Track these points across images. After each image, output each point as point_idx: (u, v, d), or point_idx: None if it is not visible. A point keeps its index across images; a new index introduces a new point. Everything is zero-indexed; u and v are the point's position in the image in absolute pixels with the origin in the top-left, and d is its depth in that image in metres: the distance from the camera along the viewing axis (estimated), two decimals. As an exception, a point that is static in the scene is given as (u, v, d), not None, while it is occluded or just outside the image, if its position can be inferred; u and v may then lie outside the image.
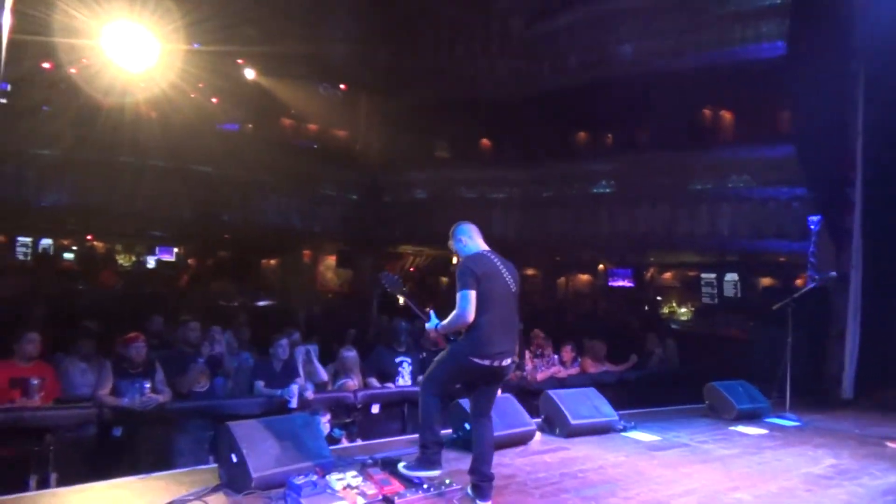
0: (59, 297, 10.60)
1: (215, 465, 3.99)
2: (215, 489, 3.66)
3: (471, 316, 3.56)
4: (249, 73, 13.90)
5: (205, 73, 11.39)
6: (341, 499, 3.48)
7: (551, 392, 5.55)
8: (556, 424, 5.35)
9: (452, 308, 3.73)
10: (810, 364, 7.70)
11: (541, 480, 4.14)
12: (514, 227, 14.06)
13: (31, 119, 10.34)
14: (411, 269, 18.62)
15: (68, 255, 17.31)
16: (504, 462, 4.41)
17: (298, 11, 13.52)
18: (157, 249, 18.76)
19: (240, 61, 13.54)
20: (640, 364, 8.48)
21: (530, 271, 16.60)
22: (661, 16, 12.04)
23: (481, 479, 3.63)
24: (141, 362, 5.22)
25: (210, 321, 7.26)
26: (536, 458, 4.67)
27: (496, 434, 3.95)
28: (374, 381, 6.38)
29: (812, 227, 8.48)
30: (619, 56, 12.57)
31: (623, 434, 5.46)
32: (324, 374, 6.26)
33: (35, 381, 4.88)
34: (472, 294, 3.58)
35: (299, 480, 3.47)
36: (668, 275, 16.33)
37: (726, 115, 13.79)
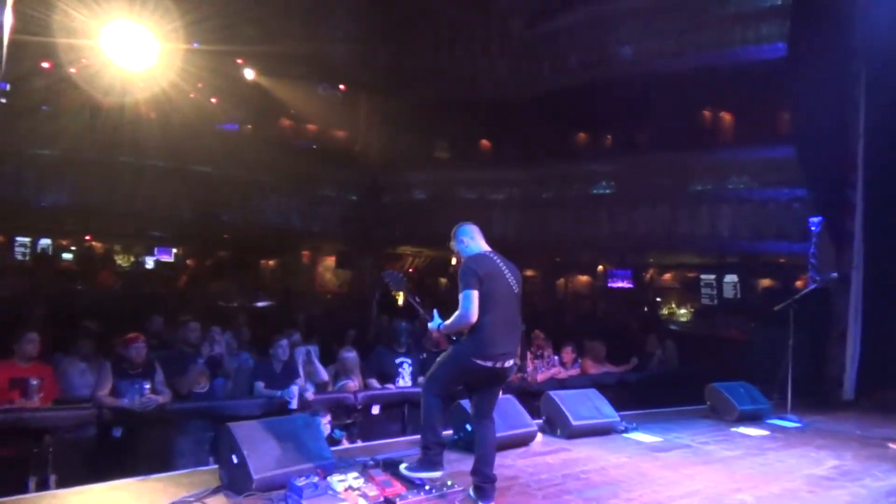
0: (59, 298, 10.57)
1: (215, 466, 3.97)
2: (216, 491, 3.64)
3: (474, 316, 3.55)
4: (249, 73, 13.88)
5: (204, 72, 11.37)
6: (343, 500, 3.47)
7: (552, 393, 5.54)
8: (557, 425, 5.34)
9: (452, 309, 3.72)
10: (811, 365, 7.70)
11: (543, 482, 4.12)
12: (514, 227, 14.04)
13: (31, 119, 10.31)
14: (410, 270, 18.59)
15: (67, 256, 17.27)
16: (506, 463, 4.39)
17: (298, 11, 13.50)
18: (155, 250, 18.71)
19: (239, 61, 13.52)
20: (641, 365, 8.47)
21: (529, 272, 16.58)
22: (661, 17, 12.03)
23: (484, 481, 3.62)
24: (141, 363, 5.20)
25: (209, 322, 7.24)
26: (538, 459, 4.66)
27: (497, 435, 3.93)
28: (374, 382, 6.36)
29: (812, 228, 8.47)
30: (620, 57, 12.57)
31: (624, 435, 5.45)
32: (324, 374, 6.24)
33: (34, 382, 4.85)
34: (475, 294, 3.57)
35: (300, 482, 3.45)
36: (667, 276, 16.32)
37: (726, 116, 13.79)
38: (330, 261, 17.96)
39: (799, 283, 11.63)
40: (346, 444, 5.26)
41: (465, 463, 3.98)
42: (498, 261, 3.80)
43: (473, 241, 3.92)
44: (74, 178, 11.60)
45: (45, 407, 4.83)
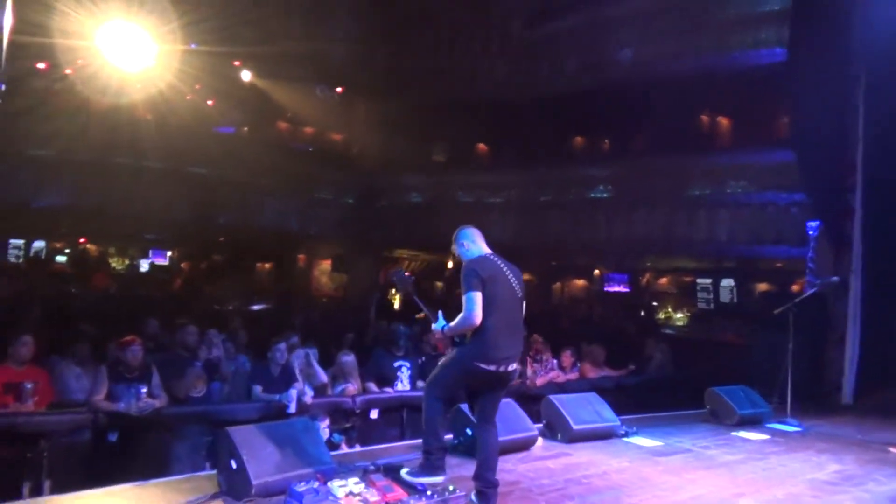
0: (53, 300, 10.48)
1: (214, 471, 3.91)
2: (214, 496, 3.59)
3: (478, 319, 3.51)
4: (246, 75, 13.84)
5: (202, 74, 11.33)
6: (343, 506, 3.42)
7: (553, 397, 5.51)
8: (557, 430, 5.30)
9: (448, 312, 3.69)
10: (809, 369, 7.69)
11: (545, 487, 4.08)
12: (511, 231, 14.00)
13: (27, 120, 10.23)
14: (407, 274, 18.54)
15: (60, 258, 17.16)
16: (507, 468, 4.34)
17: (296, 13, 13.48)
18: (150, 252, 18.63)
19: (236, 63, 13.48)
20: (640, 369, 8.46)
21: (526, 276, 16.48)
22: (660, 20, 12.02)
23: (486, 486, 3.57)
24: (137, 366, 5.13)
25: (205, 325, 7.18)
26: (539, 463, 4.62)
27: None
28: (372, 386, 6.32)
29: (811, 232, 8.48)
30: (618, 60, 12.55)
31: (625, 439, 5.43)
32: (323, 377, 6.20)
33: (29, 386, 4.80)
34: (478, 296, 3.53)
35: (301, 487, 3.40)
36: (663, 280, 16.33)
37: (724, 121, 13.80)
38: (326, 264, 17.92)
39: (795, 288, 11.66)
40: (345, 449, 5.21)
41: (466, 468, 3.94)
42: (500, 263, 3.77)
43: (474, 244, 3.89)
44: (71, 180, 11.53)
45: (39, 411, 4.77)
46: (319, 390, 5.99)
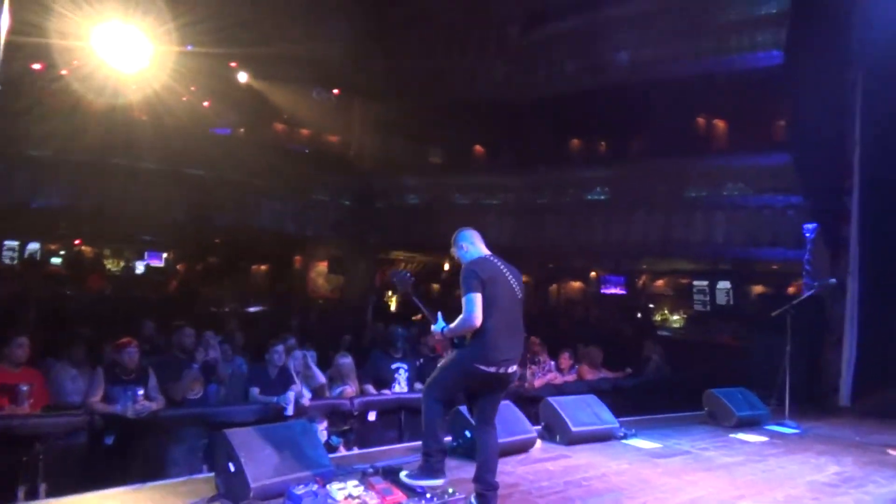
0: (49, 302, 10.42)
1: (211, 474, 3.88)
2: (212, 499, 3.56)
3: (478, 320, 3.49)
4: (242, 77, 13.81)
5: (198, 75, 11.29)
6: (343, 509, 3.40)
7: (551, 399, 5.49)
8: (556, 432, 5.29)
9: (445, 314, 3.66)
10: (807, 371, 7.71)
11: (544, 489, 4.07)
12: (508, 233, 13.98)
13: (23, 120, 10.17)
14: (408, 275, 18.50)
15: (55, 260, 17.07)
16: (506, 470, 4.32)
17: (293, 15, 13.44)
18: (146, 254, 18.55)
19: (233, 64, 13.45)
20: (638, 370, 8.45)
21: (523, 278, 16.50)
22: (659, 23, 12.06)
23: (486, 488, 3.55)
24: (134, 368, 5.10)
25: (200, 327, 7.14)
26: (538, 466, 4.60)
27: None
28: (370, 388, 6.29)
29: (807, 234, 8.49)
30: (616, 63, 12.57)
31: (624, 441, 5.42)
32: (321, 378, 6.16)
33: (24, 388, 4.75)
34: (478, 297, 3.51)
35: (299, 490, 3.38)
36: (660, 282, 16.34)
37: (722, 123, 13.85)
38: (322, 266, 17.86)
39: (791, 290, 11.69)
40: (343, 452, 5.19)
41: (465, 470, 3.92)
42: (500, 264, 3.75)
43: (473, 245, 3.87)
44: (67, 181, 11.46)
45: (35, 414, 4.72)
46: (317, 392, 5.96)
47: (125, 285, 15.77)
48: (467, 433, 4.53)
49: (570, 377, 7.76)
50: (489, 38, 14.51)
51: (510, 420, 4.89)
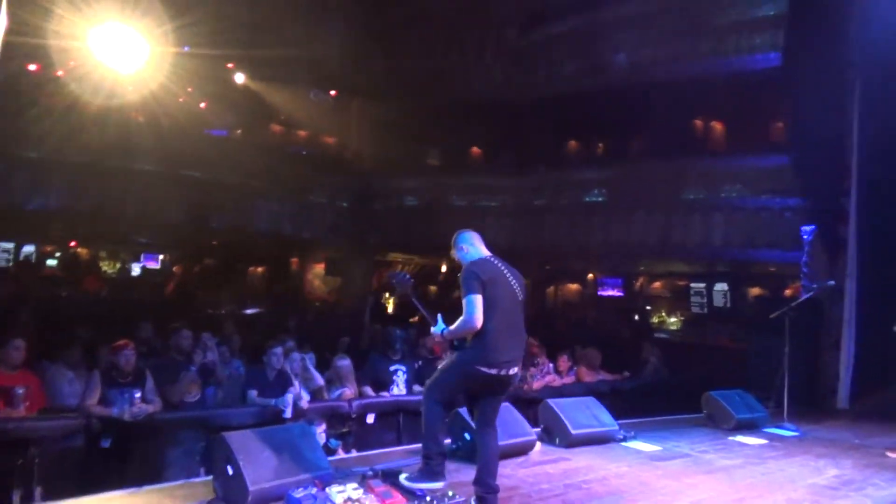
0: (45, 303, 10.37)
1: (209, 477, 3.86)
2: (210, 503, 3.53)
3: (478, 322, 3.47)
4: (239, 78, 13.78)
5: (195, 76, 11.25)
6: (342, 512, 3.37)
7: (551, 401, 5.47)
8: (555, 434, 5.27)
9: (444, 316, 3.64)
10: (805, 374, 7.70)
11: (545, 492, 4.05)
12: (507, 235, 13.94)
13: (19, 121, 10.13)
14: (407, 277, 18.47)
15: (51, 262, 17.00)
16: (505, 473, 4.29)
17: (291, 16, 13.41)
18: (142, 256, 18.48)
19: (230, 65, 13.41)
20: (636, 373, 8.45)
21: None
22: (657, 25, 12.07)
23: (486, 491, 3.53)
24: (130, 370, 5.07)
25: (198, 329, 7.10)
26: (538, 468, 4.58)
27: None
28: (368, 390, 6.28)
29: (805, 236, 8.50)
30: (614, 64, 12.58)
31: (623, 444, 5.40)
32: (320, 380, 6.15)
33: (20, 391, 4.72)
34: (479, 299, 3.49)
35: (298, 493, 3.36)
36: (657, 284, 16.33)
37: (720, 125, 13.86)
38: (319, 267, 17.81)
39: (789, 292, 11.70)
40: (341, 454, 5.16)
41: (465, 473, 3.90)
42: (501, 266, 3.74)
43: (473, 247, 3.86)
44: (63, 182, 11.39)
45: (30, 416, 4.69)
46: (315, 394, 5.94)
47: (122, 287, 15.72)
48: (467, 435, 4.51)
49: (569, 379, 7.75)
50: (488, 38, 14.50)
51: (510, 422, 4.87)
